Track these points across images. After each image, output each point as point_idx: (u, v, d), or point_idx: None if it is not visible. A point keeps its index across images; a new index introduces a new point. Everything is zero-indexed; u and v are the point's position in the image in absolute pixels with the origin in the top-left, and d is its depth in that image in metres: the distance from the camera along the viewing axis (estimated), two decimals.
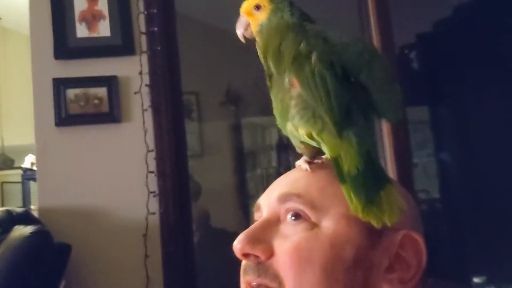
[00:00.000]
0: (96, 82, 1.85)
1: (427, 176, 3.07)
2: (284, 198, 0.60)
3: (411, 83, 2.81)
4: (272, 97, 0.65)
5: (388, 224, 0.54)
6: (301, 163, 0.63)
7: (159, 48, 1.88)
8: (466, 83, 2.70)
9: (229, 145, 3.58)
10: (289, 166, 3.08)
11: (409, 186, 2.04)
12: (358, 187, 0.55)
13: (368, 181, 0.55)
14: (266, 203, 0.63)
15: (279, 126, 0.65)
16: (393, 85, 0.63)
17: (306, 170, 0.62)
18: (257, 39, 0.70)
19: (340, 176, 0.56)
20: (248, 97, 3.18)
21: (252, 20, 0.70)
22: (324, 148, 0.59)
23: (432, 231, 2.83)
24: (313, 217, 0.58)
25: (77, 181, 1.81)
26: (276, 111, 0.65)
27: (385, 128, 2.05)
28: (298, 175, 0.63)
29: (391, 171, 2.00)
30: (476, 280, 2.02)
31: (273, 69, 0.64)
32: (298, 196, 0.59)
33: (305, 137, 0.60)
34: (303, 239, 0.57)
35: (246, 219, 3.22)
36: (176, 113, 1.91)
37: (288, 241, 0.58)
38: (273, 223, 0.61)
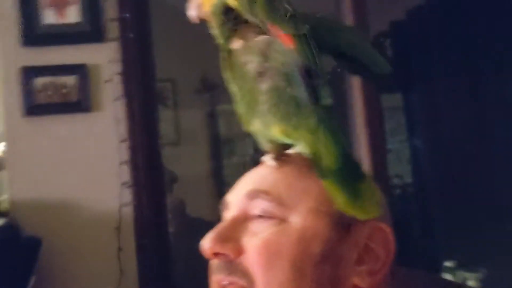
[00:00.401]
0: (65, 71, 1.80)
1: (400, 162, 3.12)
2: (252, 195, 0.60)
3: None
4: (234, 88, 0.62)
5: (372, 217, 0.55)
6: (268, 160, 0.63)
7: (131, 35, 1.83)
8: (438, 71, 2.73)
9: (205, 133, 3.56)
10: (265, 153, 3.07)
11: (383, 171, 2.06)
12: (341, 181, 0.54)
13: (349, 175, 0.55)
14: (234, 200, 0.62)
15: (242, 120, 0.62)
16: (369, 45, 0.65)
17: (273, 166, 0.61)
18: (211, 20, 0.66)
19: (320, 172, 0.55)
20: (224, 85, 3.14)
21: (205, 0, 0.66)
22: (301, 145, 0.58)
23: (405, 215, 2.88)
24: (281, 213, 0.58)
25: (47, 172, 1.77)
26: (240, 103, 0.62)
27: (359, 115, 2.04)
28: (266, 172, 0.62)
29: (365, 157, 2.01)
30: (447, 264, 2.05)
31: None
32: (266, 193, 0.59)
33: (280, 134, 0.59)
34: (271, 235, 0.57)
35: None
36: (149, 102, 1.87)
37: (256, 238, 0.58)
38: (242, 220, 0.60)
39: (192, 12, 0.67)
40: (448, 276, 1.93)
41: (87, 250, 1.73)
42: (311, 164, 0.60)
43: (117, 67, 1.82)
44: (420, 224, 2.97)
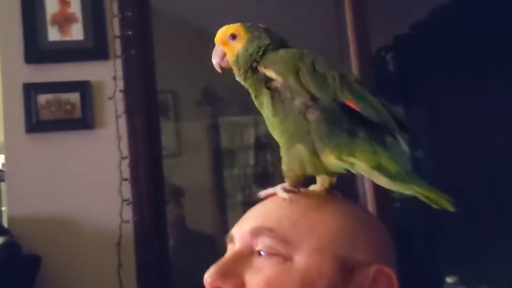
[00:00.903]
0: (68, 87, 1.81)
1: None
2: (257, 232, 0.60)
3: (388, 84, 2.84)
4: (277, 120, 0.64)
5: (450, 208, 0.57)
6: (279, 191, 0.64)
7: (133, 52, 1.84)
8: (440, 84, 2.73)
9: (207, 145, 3.56)
10: (266, 165, 3.08)
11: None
12: (414, 176, 0.59)
13: (414, 173, 0.59)
14: (239, 234, 0.63)
15: (283, 148, 0.65)
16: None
17: (284, 199, 0.62)
18: (234, 68, 0.69)
19: (389, 177, 0.59)
20: (225, 97, 3.18)
21: (227, 49, 0.70)
22: (359, 165, 0.60)
23: (407, 229, 2.87)
24: (285, 251, 0.58)
25: (48, 189, 1.77)
26: (283, 134, 0.64)
27: None
28: (272, 207, 0.63)
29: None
30: (448, 280, 2.05)
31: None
32: (271, 230, 0.59)
33: (333, 160, 0.61)
34: (274, 273, 0.57)
35: (224, 219, 3.21)
36: (151, 119, 1.87)
37: (259, 274, 0.58)
38: (245, 255, 0.60)
39: (215, 61, 0.70)
40: None
41: (88, 266, 1.73)
42: (320, 202, 0.62)
43: (120, 84, 1.83)
44: (422, 238, 2.96)
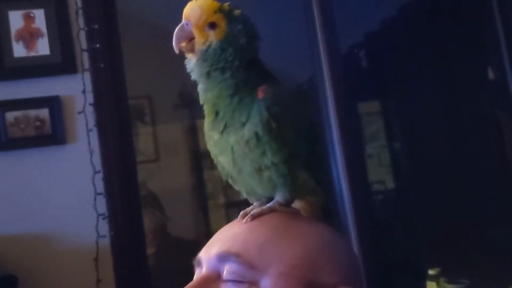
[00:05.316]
0: (36, 103, 1.78)
1: (382, 167, 3.13)
2: (223, 257, 0.60)
3: (363, 79, 2.86)
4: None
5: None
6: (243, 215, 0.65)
7: (102, 65, 1.82)
8: (415, 78, 2.76)
9: (186, 147, 3.54)
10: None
11: (362, 177, 2.05)
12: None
13: None
14: (206, 258, 0.63)
15: (275, 168, 0.65)
16: None
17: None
18: (196, 56, 0.64)
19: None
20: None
21: (198, 34, 0.63)
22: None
23: (388, 223, 2.90)
24: (251, 277, 0.58)
25: (22, 207, 1.75)
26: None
27: (333, 122, 2.03)
28: (239, 230, 0.62)
29: (340, 163, 2.00)
30: (430, 272, 2.07)
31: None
32: (237, 256, 0.59)
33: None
34: None
35: (206, 221, 3.21)
36: (123, 131, 1.86)
37: None
38: (212, 280, 0.60)
39: (178, 41, 0.63)
40: (432, 284, 1.95)
41: (66, 284, 1.72)
42: (286, 223, 0.63)
43: (89, 98, 1.81)
44: (404, 232, 2.98)
